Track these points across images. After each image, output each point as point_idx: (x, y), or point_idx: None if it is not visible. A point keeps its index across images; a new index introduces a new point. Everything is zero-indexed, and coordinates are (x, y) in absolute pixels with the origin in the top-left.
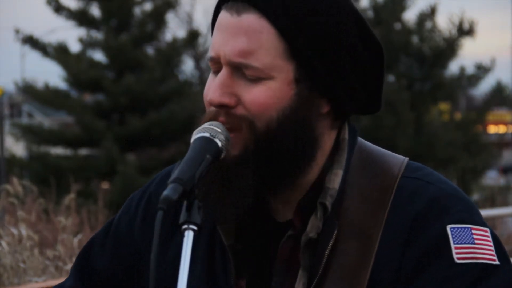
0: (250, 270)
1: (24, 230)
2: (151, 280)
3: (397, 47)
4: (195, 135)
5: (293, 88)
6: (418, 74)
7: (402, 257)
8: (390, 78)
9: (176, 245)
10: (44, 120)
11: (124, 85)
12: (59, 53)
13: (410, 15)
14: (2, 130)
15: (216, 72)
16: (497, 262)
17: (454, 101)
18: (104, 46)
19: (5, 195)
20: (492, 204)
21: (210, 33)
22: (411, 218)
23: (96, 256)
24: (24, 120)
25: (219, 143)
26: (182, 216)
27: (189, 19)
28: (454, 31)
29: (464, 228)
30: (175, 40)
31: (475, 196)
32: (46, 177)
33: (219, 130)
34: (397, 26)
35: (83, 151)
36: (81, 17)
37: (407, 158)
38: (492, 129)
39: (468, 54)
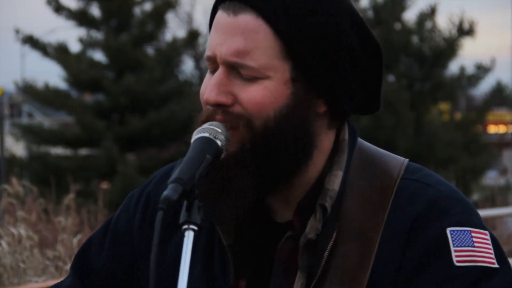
0: (249, 270)
1: (24, 230)
2: (151, 280)
3: (397, 47)
4: (195, 135)
5: (290, 87)
6: (418, 74)
7: (402, 258)
8: (390, 78)
9: (175, 245)
10: (44, 120)
11: (124, 85)
12: (59, 53)
13: (410, 15)
14: (2, 130)
15: (213, 72)
16: (496, 266)
17: (454, 101)
18: (104, 46)
19: (5, 195)
20: (492, 204)
21: (208, 33)
22: (411, 220)
23: (95, 255)
24: (24, 120)
25: (219, 143)
26: (182, 216)
27: (189, 19)
28: (454, 31)
29: (464, 231)
30: (175, 40)
31: (475, 196)
32: (46, 177)
33: (219, 130)
34: (397, 26)
35: (83, 151)
36: (81, 17)
37: (407, 160)
38: (492, 129)
39: (468, 54)
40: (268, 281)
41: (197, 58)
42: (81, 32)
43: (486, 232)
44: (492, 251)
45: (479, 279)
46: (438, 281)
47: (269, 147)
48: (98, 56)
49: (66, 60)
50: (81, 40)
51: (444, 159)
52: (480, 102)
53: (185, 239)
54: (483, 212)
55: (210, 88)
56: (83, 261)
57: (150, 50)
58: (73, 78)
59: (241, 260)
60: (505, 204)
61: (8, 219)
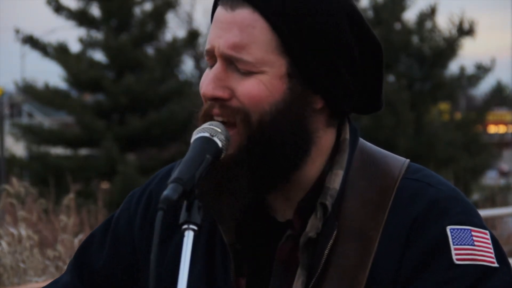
0: (250, 269)
1: (24, 230)
2: (151, 280)
3: (397, 47)
4: (195, 135)
5: (285, 82)
6: (418, 74)
7: (402, 257)
8: (390, 78)
9: (175, 245)
10: (44, 120)
11: (124, 85)
12: (59, 53)
13: (410, 15)
14: (2, 130)
15: (212, 67)
16: (496, 265)
17: (454, 101)
18: (104, 46)
19: (5, 195)
20: (492, 204)
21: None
22: (411, 219)
23: (95, 253)
24: (24, 120)
25: (219, 143)
26: (182, 216)
27: (189, 19)
28: (454, 31)
29: (464, 229)
30: (175, 40)
31: (475, 196)
32: (46, 177)
33: (219, 130)
34: (397, 26)
35: (83, 151)
36: (81, 17)
37: (408, 160)
38: (492, 129)
39: (468, 54)
40: (268, 280)
41: (197, 58)
42: (81, 32)
43: (487, 231)
44: (492, 251)
45: (479, 278)
46: (438, 280)
47: (266, 142)
48: (98, 56)
49: (66, 60)
50: (81, 40)
51: (444, 159)
52: (480, 102)
53: (185, 239)
54: (483, 212)
55: (207, 82)
56: (83, 259)
57: (150, 50)
58: (73, 78)
59: (241, 258)
60: (505, 204)
61: (8, 219)
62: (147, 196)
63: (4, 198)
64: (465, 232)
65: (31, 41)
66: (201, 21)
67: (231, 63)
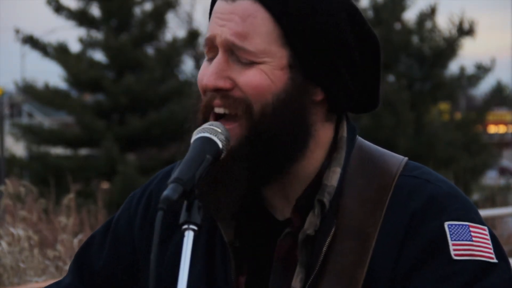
0: (249, 267)
1: (24, 230)
2: (151, 280)
3: (397, 47)
4: (195, 135)
5: (287, 72)
6: (418, 74)
7: (400, 254)
8: (390, 78)
9: (175, 245)
10: (44, 120)
11: (124, 85)
12: (59, 53)
13: (410, 15)
14: (2, 130)
15: (210, 59)
16: (495, 260)
17: (454, 101)
18: (104, 46)
19: (5, 195)
20: (492, 204)
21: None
22: (408, 216)
23: (95, 254)
24: (24, 120)
25: (219, 143)
26: (182, 216)
27: (189, 19)
28: (454, 31)
29: (462, 225)
30: (175, 40)
31: (475, 196)
32: (46, 177)
33: (219, 130)
34: (397, 26)
35: (83, 151)
36: (81, 17)
37: (406, 158)
38: (492, 129)
39: (468, 54)
40: (268, 277)
41: (197, 58)
42: (81, 32)
43: (485, 227)
44: (490, 246)
45: (478, 274)
46: (436, 277)
47: (267, 133)
48: (98, 56)
49: (66, 60)
50: (81, 40)
51: (444, 159)
52: (480, 102)
53: (185, 239)
54: (483, 212)
55: (209, 73)
56: (83, 260)
57: (150, 50)
58: (73, 78)
59: (241, 256)
60: (505, 204)
61: (8, 219)
62: (147, 196)
63: (4, 198)
64: (463, 228)
65: (31, 41)
66: (201, 21)
67: (232, 53)
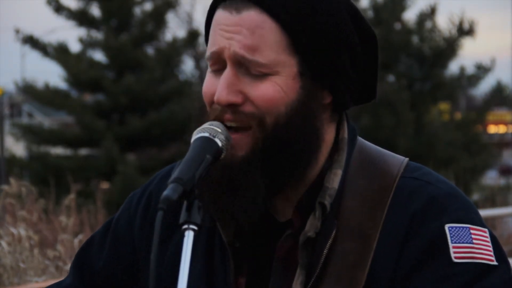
0: (249, 268)
1: (24, 230)
2: (151, 280)
3: (397, 47)
4: (195, 135)
5: (298, 81)
6: (418, 74)
7: (400, 255)
8: (390, 78)
9: (174, 244)
10: (44, 120)
11: (124, 85)
12: (59, 53)
13: (410, 15)
14: (2, 130)
15: (216, 71)
16: (495, 263)
17: (454, 101)
18: (104, 46)
19: (5, 195)
20: (492, 204)
21: (204, 36)
22: (409, 217)
23: (96, 254)
24: (24, 120)
25: (219, 143)
26: (182, 216)
27: (189, 19)
28: (454, 31)
29: (463, 227)
30: (175, 40)
31: (475, 196)
32: (46, 177)
33: (219, 130)
34: (397, 26)
35: (83, 151)
36: (81, 17)
37: (407, 159)
38: (492, 129)
39: (468, 54)
40: (268, 279)
41: (197, 58)
42: (81, 32)
43: (485, 229)
44: (491, 249)
45: (478, 276)
46: (437, 278)
47: (281, 143)
48: (98, 56)
49: (66, 60)
50: (81, 40)
51: (444, 159)
52: (480, 102)
53: (185, 239)
54: (483, 212)
55: (220, 88)
56: (83, 260)
57: (150, 50)
58: (73, 78)
59: (241, 257)
60: (505, 204)
61: (8, 219)
62: (147, 196)
63: (4, 198)
64: (463, 230)
65: (31, 41)
66: (201, 21)
67: (241, 66)
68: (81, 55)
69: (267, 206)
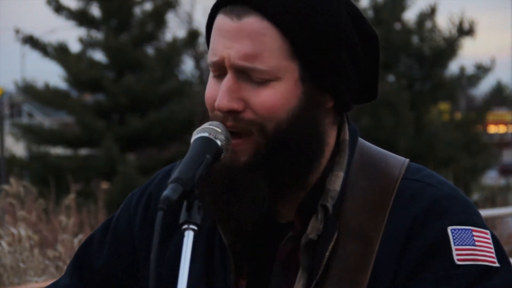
0: (249, 269)
1: (24, 230)
2: (151, 280)
3: (397, 47)
4: (195, 135)
5: (300, 87)
6: (418, 74)
7: (402, 258)
8: (390, 78)
9: (174, 244)
10: (44, 120)
11: (124, 85)
12: (59, 53)
13: (410, 15)
14: (2, 130)
15: (218, 77)
16: (497, 265)
17: (454, 101)
18: (104, 46)
19: (5, 195)
20: (492, 204)
21: (205, 38)
22: (411, 219)
23: (95, 253)
24: (24, 120)
25: (219, 143)
26: (182, 216)
27: (189, 19)
28: (454, 31)
29: (465, 229)
30: (175, 40)
31: (475, 196)
32: (46, 177)
33: (219, 130)
34: (397, 26)
35: (83, 151)
36: (81, 17)
37: (408, 160)
38: (492, 129)
39: (468, 54)
40: (269, 281)
41: (197, 58)
42: (81, 32)
43: (487, 231)
44: (493, 250)
45: (480, 278)
46: (439, 280)
47: (283, 149)
48: (98, 56)
49: (66, 60)
50: (81, 40)
51: (444, 159)
52: (480, 102)
53: (185, 239)
54: (483, 212)
55: (221, 95)
56: (83, 259)
57: (150, 50)
58: (73, 78)
59: (241, 259)
60: (505, 204)
61: (8, 219)
62: (146, 196)
63: (4, 198)
64: (466, 232)
65: (31, 41)
66: (201, 21)
67: (242, 73)
68: (81, 55)
69: (269, 208)
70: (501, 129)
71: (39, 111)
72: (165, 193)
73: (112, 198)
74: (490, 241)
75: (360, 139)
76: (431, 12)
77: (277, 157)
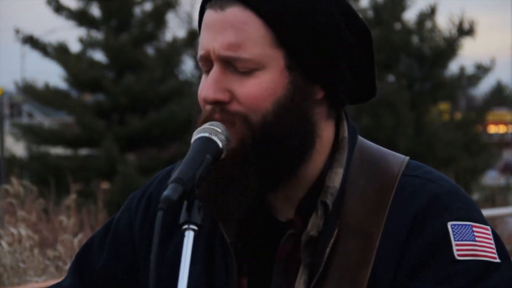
0: (251, 268)
1: (24, 230)
2: (151, 280)
3: (397, 47)
4: (195, 135)
5: (287, 76)
6: (418, 74)
7: (403, 254)
8: (390, 78)
9: (175, 244)
10: (44, 120)
11: (124, 85)
12: (59, 53)
13: (410, 15)
14: (2, 130)
15: (208, 71)
16: (498, 260)
17: (454, 101)
18: (104, 46)
19: (5, 195)
20: (492, 204)
21: (198, 36)
22: (411, 216)
23: (96, 255)
24: (24, 120)
25: (220, 143)
26: (183, 216)
27: (189, 19)
28: (454, 31)
29: (465, 225)
30: (175, 40)
31: (475, 196)
32: (46, 177)
33: (219, 130)
34: (397, 26)
35: (83, 151)
36: (81, 17)
37: (407, 157)
38: (492, 129)
39: (468, 54)
40: (269, 279)
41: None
42: (81, 32)
43: (488, 227)
44: (493, 246)
45: (481, 274)
46: (440, 276)
47: (270, 140)
48: (98, 56)
49: (66, 60)
50: (81, 40)
51: (444, 159)
52: (480, 102)
53: (185, 239)
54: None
55: (207, 86)
56: (83, 260)
57: (150, 50)
58: (73, 78)
59: (242, 258)
60: (505, 204)
61: (8, 219)
62: (147, 197)
63: (4, 198)
64: (466, 228)
65: (31, 41)
66: None
67: (228, 64)
68: (81, 55)
69: (266, 203)
70: (501, 129)
71: (39, 111)
72: (165, 193)
73: (112, 198)
74: (491, 236)
75: (360, 137)
76: (431, 12)
77: (263, 148)
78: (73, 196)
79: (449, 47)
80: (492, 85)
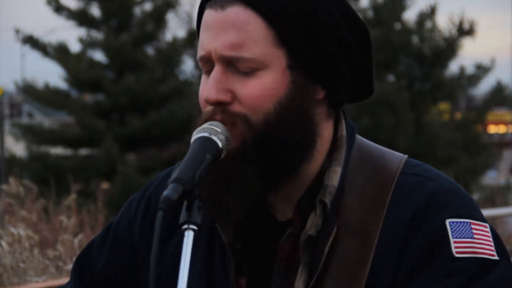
0: (250, 268)
1: (24, 230)
2: (151, 280)
3: (397, 47)
4: (195, 135)
5: (288, 76)
6: (418, 74)
7: (402, 252)
8: (390, 78)
9: (174, 244)
10: (44, 120)
11: (124, 85)
12: (59, 53)
13: (410, 15)
14: (2, 130)
15: (208, 72)
16: (496, 258)
17: (454, 101)
18: (104, 46)
19: (5, 195)
20: (492, 204)
21: (197, 36)
22: (410, 214)
23: (96, 256)
24: (24, 120)
25: (219, 143)
26: (182, 216)
27: (189, 19)
28: (454, 31)
29: (464, 222)
30: (175, 40)
31: (475, 196)
32: (46, 177)
33: (219, 130)
34: (397, 26)
35: (83, 151)
36: (81, 17)
37: (406, 156)
38: (492, 129)
39: (468, 54)
40: (269, 279)
41: None
42: (81, 32)
43: (486, 224)
44: (492, 243)
45: (479, 271)
46: (438, 273)
47: (271, 140)
48: (98, 56)
49: (66, 60)
50: (81, 40)
51: (444, 159)
52: (480, 102)
53: (185, 239)
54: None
55: (209, 87)
56: (84, 262)
57: (150, 50)
58: (73, 78)
59: (241, 258)
60: (505, 204)
61: (8, 219)
62: (147, 198)
63: (4, 198)
64: (464, 225)
65: (31, 41)
66: None
67: (230, 64)
68: (81, 55)
69: (265, 203)
70: (501, 129)
71: (39, 111)
72: (165, 193)
73: (112, 198)
74: (489, 234)
75: (358, 136)
76: (431, 12)
77: (265, 148)
78: (73, 196)
79: (449, 47)
80: (492, 85)
